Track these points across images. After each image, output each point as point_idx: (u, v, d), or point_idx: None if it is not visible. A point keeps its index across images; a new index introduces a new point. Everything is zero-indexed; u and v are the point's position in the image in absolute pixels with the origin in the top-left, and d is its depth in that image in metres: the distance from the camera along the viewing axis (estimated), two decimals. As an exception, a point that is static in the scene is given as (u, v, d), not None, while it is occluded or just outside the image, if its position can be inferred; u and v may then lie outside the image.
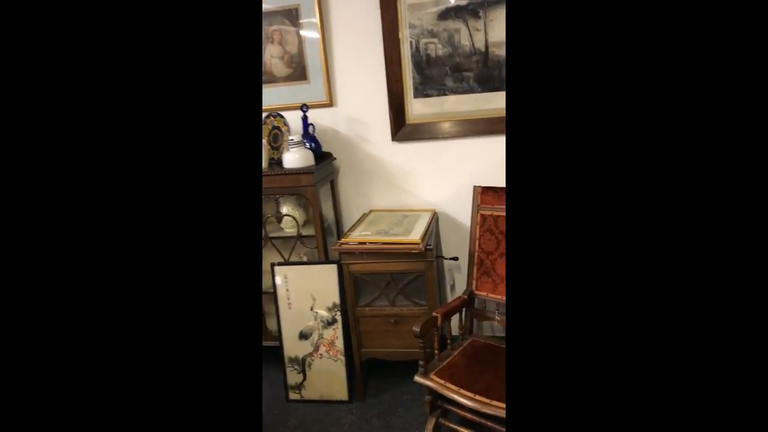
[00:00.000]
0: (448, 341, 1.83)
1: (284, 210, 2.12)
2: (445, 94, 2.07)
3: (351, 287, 1.93)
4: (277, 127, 2.12)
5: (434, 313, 1.71)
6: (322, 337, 2.03)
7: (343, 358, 2.02)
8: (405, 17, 2.01)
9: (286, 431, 1.94)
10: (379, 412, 1.98)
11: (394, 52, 2.04)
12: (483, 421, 1.54)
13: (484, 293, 1.90)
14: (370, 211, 2.25)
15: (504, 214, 1.86)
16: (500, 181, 2.03)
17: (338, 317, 1.99)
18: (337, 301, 1.98)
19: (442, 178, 2.19)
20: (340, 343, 2.01)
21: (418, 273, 1.88)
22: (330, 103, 2.17)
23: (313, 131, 2.12)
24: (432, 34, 2.00)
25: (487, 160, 2.10)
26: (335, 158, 2.22)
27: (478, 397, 1.52)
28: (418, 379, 1.66)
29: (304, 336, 2.05)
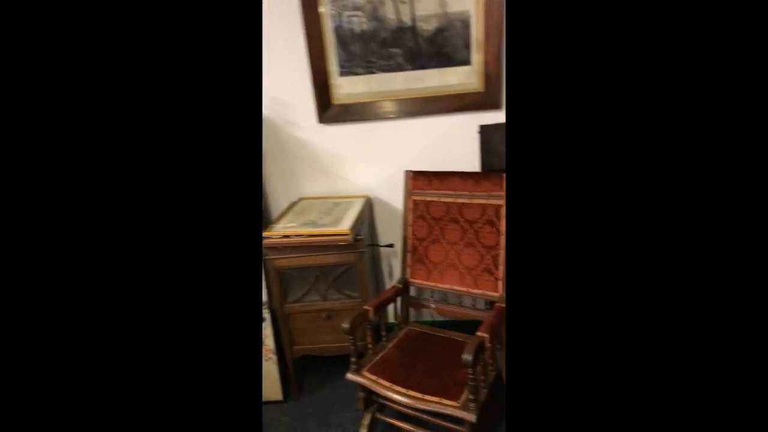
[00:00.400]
0: (383, 333, 1.76)
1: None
2: (372, 72, 1.93)
3: (277, 284, 1.80)
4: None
5: (365, 307, 1.63)
6: (250, 337, 1.89)
7: (274, 357, 1.90)
8: (325, -13, 1.84)
9: (215, 440, 1.81)
10: (315, 411, 1.89)
11: (315, 27, 1.87)
12: (419, 414, 1.49)
13: (419, 281, 1.84)
14: (300, 200, 2.11)
15: (435, 199, 1.78)
16: (433, 164, 1.96)
17: (266, 315, 1.86)
18: (264, 298, 1.85)
19: (375, 162, 2.08)
20: (270, 342, 1.89)
21: (348, 265, 1.78)
22: (248, 83, 1.98)
23: (231, 114, 1.93)
24: (355, 6, 1.85)
25: (420, 143, 2.01)
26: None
27: (411, 393, 1.47)
28: (350, 376, 1.58)
29: (231, 337, 1.90)
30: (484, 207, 1.69)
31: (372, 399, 1.64)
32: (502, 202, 1.65)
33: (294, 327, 1.87)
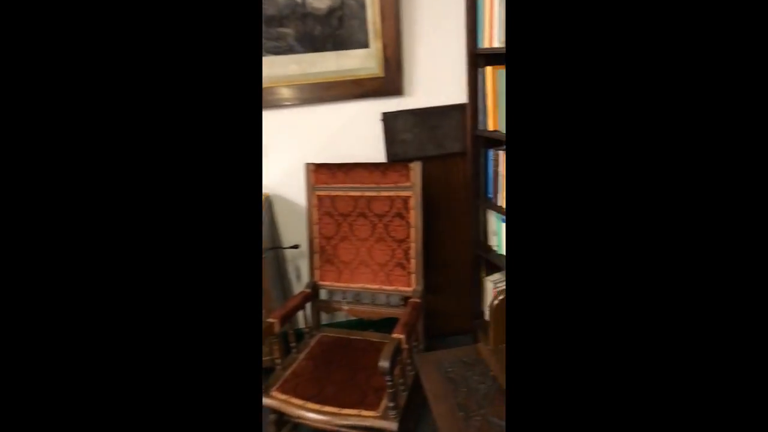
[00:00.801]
0: (292, 344, 1.60)
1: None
2: (262, 55, 1.72)
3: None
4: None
5: (269, 320, 1.45)
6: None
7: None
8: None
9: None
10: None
11: None
12: (338, 429, 1.37)
13: (329, 282, 1.70)
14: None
15: (341, 193, 1.65)
16: (337, 156, 1.82)
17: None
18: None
19: (272, 155, 1.88)
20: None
21: (247, 273, 1.57)
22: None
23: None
24: (235, -22, 1.61)
25: (321, 133, 1.86)
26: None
27: (326, 408, 1.34)
28: (257, 400, 1.40)
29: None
30: (392, 199, 1.60)
31: (284, 419, 1.48)
32: (410, 193, 1.57)
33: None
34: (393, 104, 1.84)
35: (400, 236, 1.60)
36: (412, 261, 1.59)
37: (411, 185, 1.57)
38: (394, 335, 1.31)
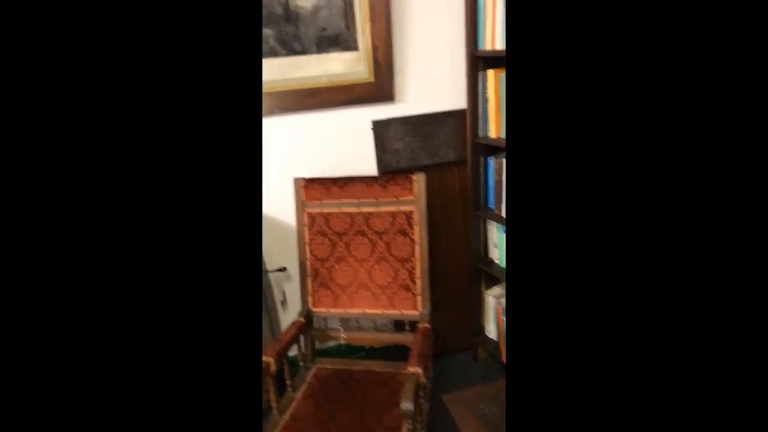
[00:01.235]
0: (288, 382, 1.42)
1: None
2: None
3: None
4: None
5: (264, 359, 1.27)
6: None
7: None
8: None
9: None
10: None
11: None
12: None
13: (324, 309, 1.54)
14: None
15: (336, 210, 1.50)
16: (325, 169, 1.66)
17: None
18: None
19: (252, 170, 1.69)
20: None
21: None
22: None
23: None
24: (207, -29, 1.43)
25: (307, 144, 1.70)
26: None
27: (337, 457, 1.17)
28: (254, 453, 1.21)
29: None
30: (393, 215, 1.46)
31: (285, 471, 1.30)
32: (414, 207, 1.44)
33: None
34: (384, 111, 1.71)
35: (403, 255, 1.46)
36: (418, 282, 1.46)
37: (414, 199, 1.44)
38: (411, 369, 1.17)
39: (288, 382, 1.42)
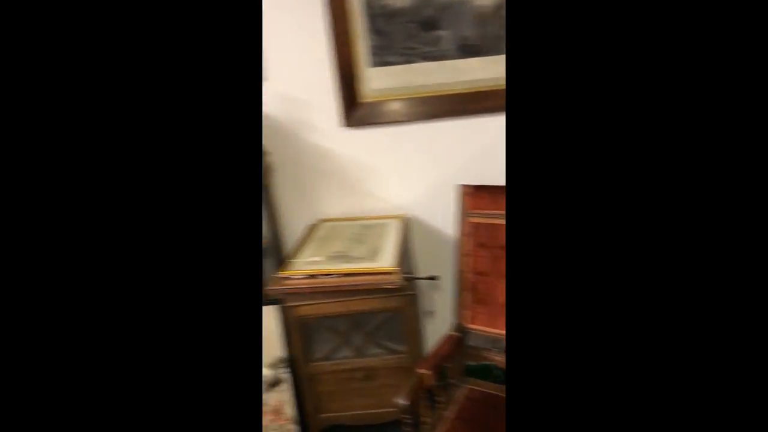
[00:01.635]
0: (437, 397, 1.35)
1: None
2: (412, 62, 1.53)
3: (300, 337, 1.38)
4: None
5: (422, 371, 1.22)
6: (264, 404, 1.47)
7: (295, 428, 1.48)
8: (353, -48, 1.44)
9: None
10: (349, 496, 1.48)
11: (340, 4, 1.46)
12: None
13: (480, 327, 1.43)
14: (320, 222, 1.70)
15: (503, 222, 1.38)
16: (487, 177, 1.56)
17: (285, 376, 1.44)
18: (283, 354, 1.43)
19: (412, 174, 1.68)
20: (290, 410, 1.47)
21: (393, 312, 1.37)
22: (254, 77, 1.56)
23: (232, 117, 1.51)
24: (391, -24, 1.45)
25: (467, 150, 1.62)
26: (268, 152, 1.62)
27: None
28: (406, 469, 1.17)
29: (238, 404, 1.48)
30: (571, 233, 1.29)
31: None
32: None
33: (321, 390, 1.45)
34: (560, 117, 1.54)
35: (579, 279, 1.28)
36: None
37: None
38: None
39: (437, 398, 1.36)
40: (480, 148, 1.61)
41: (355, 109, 1.58)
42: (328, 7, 1.46)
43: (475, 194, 1.43)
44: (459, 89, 1.56)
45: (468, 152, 1.63)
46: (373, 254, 1.39)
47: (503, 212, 1.38)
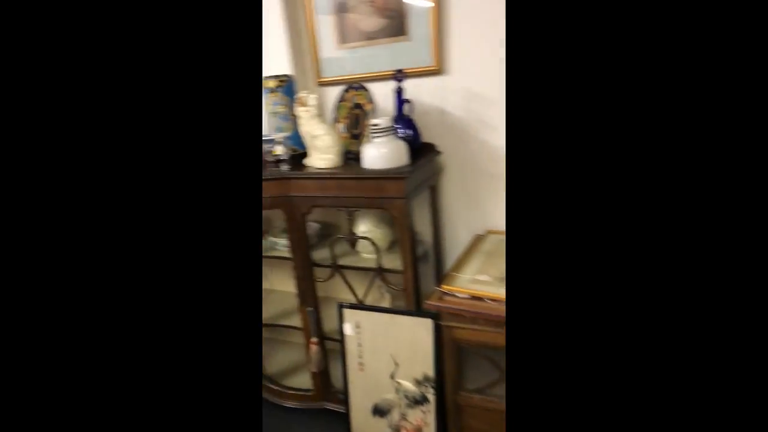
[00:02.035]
0: None
1: (361, 229, 1.48)
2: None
3: (454, 359, 1.24)
4: (359, 106, 1.47)
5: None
6: (405, 419, 1.38)
7: (434, 454, 1.35)
8: None
9: None
10: None
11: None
12: None
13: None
14: (488, 233, 1.51)
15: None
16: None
17: (431, 397, 1.32)
18: (431, 373, 1.31)
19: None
20: (431, 434, 1.35)
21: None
22: (438, 70, 1.44)
23: (411, 112, 1.43)
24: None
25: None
26: (440, 152, 1.50)
27: None
28: None
29: (379, 412, 1.42)
30: None
31: None
32: None
33: (468, 425, 1.29)
34: None
35: None
36: None
37: None
38: None
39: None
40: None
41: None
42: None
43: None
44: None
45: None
46: (552, 284, 1.15)
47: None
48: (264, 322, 1.73)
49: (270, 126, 1.51)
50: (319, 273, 1.50)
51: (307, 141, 1.39)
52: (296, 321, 1.58)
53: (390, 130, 1.29)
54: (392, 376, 1.37)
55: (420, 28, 1.43)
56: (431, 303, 1.18)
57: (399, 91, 1.39)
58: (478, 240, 1.48)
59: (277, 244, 1.60)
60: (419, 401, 1.35)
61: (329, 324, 1.55)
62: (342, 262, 1.48)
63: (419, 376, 1.34)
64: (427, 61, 1.44)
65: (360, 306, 1.42)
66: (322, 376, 1.59)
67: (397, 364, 1.36)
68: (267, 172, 1.39)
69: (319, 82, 1.64)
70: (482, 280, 1.21)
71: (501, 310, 1.10)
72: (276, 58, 1.58)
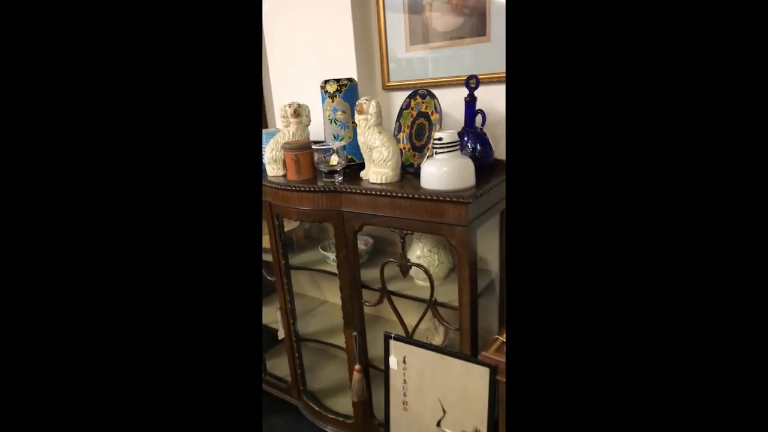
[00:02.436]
0: None
1: (416, 253, 1.32)
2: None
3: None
4: (425, 114, 1.31)
5: None
6: (449, 473, 1.21)
7: None
8: None
9: None
10: None
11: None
12: None
13: None
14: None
15: None
16: None
17: (481, 457, 1.14)
18: (484, 429, 1.12)
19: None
20: (478, 497, 1.16)
21: None
22: (518, 76, 1.24)
23: (483, 124, 1.24)
24: None
25: None
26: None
27: None
28: None
29: (421, 459, 1.26)
30: None
31: None
32: None
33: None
34: None
35: None
36: None
37: None
38: None
39: None
40: None
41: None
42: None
43: None
44: None
45: None
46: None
47: None
48: (312, 334, 1.65)
49: (327, 133, 1.41)
50: (368, 295, 1.37)
51: (364, 152, 1.26)
52: (342, 339, 1.47)
53: (454, 146, 1.11)
54: (438, 424, 1.21)
55: (503, 28, 1.23)
56: (488, 356, 1.00)
57: (471, 101, 1.21)
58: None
59: (329, 258, 1.51)
60: (467, 457, 1.18)
61: (375, 349, 1.43)
62: (393, 286, 1.34)
63: (469, 430, 1.16)
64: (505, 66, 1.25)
65: (408, 340, 1.27)
66: (363, 406, 1.47)
67: (444, 412, 1.19)
68: (319, 182, 1.30)
69: (386, 86, 1.52)
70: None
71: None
72: (343, 60, 1.48)
